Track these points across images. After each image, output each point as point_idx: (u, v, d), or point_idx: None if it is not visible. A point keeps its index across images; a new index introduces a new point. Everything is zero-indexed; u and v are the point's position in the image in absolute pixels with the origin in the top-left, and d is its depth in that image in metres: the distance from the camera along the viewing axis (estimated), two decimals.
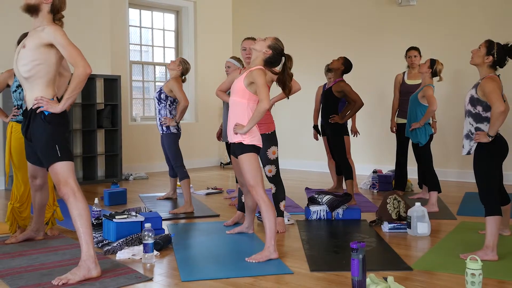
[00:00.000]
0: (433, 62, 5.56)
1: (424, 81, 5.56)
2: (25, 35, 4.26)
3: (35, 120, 3.46)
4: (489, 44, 3.79)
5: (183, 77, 5.80)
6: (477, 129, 3.79)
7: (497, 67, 3.82)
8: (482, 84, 3.73)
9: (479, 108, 3.77)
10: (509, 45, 3.79)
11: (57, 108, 3.43)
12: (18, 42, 4.35)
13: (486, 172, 3.74)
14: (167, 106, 5.69)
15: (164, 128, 5.68)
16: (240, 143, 3.85)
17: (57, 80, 3.63)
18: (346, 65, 5.98)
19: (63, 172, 3.41)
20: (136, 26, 9.23)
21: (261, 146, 3.92)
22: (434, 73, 5.55)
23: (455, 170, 7.65)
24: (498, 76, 3.82)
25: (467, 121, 3.86)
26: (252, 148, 3.85)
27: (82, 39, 7.79)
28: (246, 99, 3.84)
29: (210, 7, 9.89)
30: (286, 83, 3.97)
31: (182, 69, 5.74)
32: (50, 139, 3.43)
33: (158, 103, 5.74)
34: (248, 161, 3.82)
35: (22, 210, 4.40)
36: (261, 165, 4.31)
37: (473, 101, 3.80)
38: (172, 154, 5.68)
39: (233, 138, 3.90)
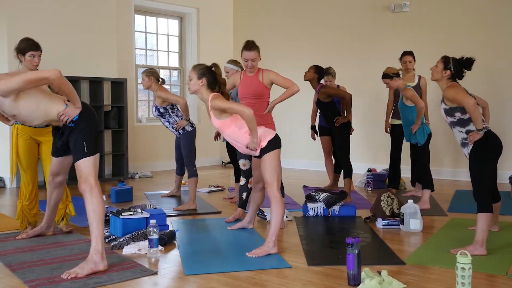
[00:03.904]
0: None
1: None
2: (28, 40, 4.22)
3: (69, 131, 3.54)
4: (445, 60, 3.90)
5: (161, 81, 5.74)
6: (467, 132, 3.80)
7: (457, 79, 3.90)
8: (445, 94, 3.82)
9: (458, 114, 3.81)
10: (464, 58, 3.88)
11: (76, 110, 3.49)
12: (19, 49, 4.27)
13: (480, 170, 3.74)
14: (171, 114, 5.67)
15: (180, 131, 5.67)
16: (261, 149, 3.86)
17: (42, 94, 3.55)
18: (318, 72, 6.01)
19: (86, 168, 3.44)
20: (141, 32, 9.23)
21: (274, 136, 3.88)
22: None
23: (448, 169, 7.65)
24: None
25: (456, 131, 3.87)
26: (270, 146, 3.83)
27: (90, 44, 7.81)
28: (231, 124, 3.83)
29: (212, 13, 9.89)
30: (222, 90, 3.87)
31: (153, 77, 5.67)
32: (80, 137, 3.50)
33: (162, 118, 5.71)
34: (269, 160, 3.81)
35: (31, 208, 4.39)
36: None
37: (448, 112, 3.85)
38: (187, 152, 5.64)
39: (256, 153, 3.88)
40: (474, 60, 3.87)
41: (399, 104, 5.71)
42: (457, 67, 3.85)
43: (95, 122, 3.67)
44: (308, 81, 6.05)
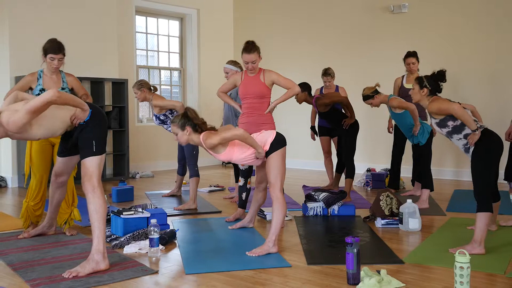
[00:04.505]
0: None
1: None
2: (51, 42, 4.22)
3: (80, 130, 3.54)
4: (419, 80, 4.02)
5: (153, 89, 5.69)
6: (465, 136, 3.81)
7: (437, 93, 3.98)
8: (430, 109, 3.89)
9: (450, 123, 3.83)
10: (435, 73, 3.99)
11: (85, 112, 3.50)
12: (43, 50, 4.27)
13: (481, 169, 3.74)
14: (172, 118, 5.65)
15: None
16: (266, 152, 3.88)
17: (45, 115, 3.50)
18: (306, 89, 6.00)
19: (91, 167, 3.45)
20: (142, 33, 9.23)
21: (275, 136, 3.90)
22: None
23: (450, 169, 7.65)
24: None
25: (454, 139, 3.88)
26: (274, 147, 3.85)
27: (92, 45, 7.81)
28: (234, 151, 3.84)
29: (212, 14, 9.90)
30: (204, 129, 3.87)
31: (145, 88, 5.61)
32: (90, 135, 3.51)
33: (164, 125, 5.70)
34: (273, 160, 3.84)
35: (36, 208, 4.38)
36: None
37: (441, 124, 3.88)
38: (189, 151, 5.62)
39: (265, 158, 3.90)
40: (445, 70, 4.00)
41: (391, 114, 5.71)
42: (431, 83, 3.97)
43: (106, 124, 3.67)
44: (303, 101, 6.04)
